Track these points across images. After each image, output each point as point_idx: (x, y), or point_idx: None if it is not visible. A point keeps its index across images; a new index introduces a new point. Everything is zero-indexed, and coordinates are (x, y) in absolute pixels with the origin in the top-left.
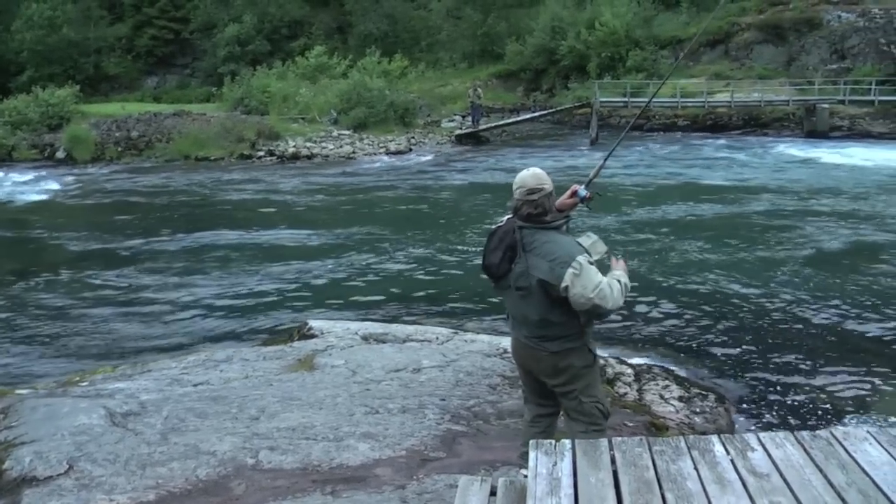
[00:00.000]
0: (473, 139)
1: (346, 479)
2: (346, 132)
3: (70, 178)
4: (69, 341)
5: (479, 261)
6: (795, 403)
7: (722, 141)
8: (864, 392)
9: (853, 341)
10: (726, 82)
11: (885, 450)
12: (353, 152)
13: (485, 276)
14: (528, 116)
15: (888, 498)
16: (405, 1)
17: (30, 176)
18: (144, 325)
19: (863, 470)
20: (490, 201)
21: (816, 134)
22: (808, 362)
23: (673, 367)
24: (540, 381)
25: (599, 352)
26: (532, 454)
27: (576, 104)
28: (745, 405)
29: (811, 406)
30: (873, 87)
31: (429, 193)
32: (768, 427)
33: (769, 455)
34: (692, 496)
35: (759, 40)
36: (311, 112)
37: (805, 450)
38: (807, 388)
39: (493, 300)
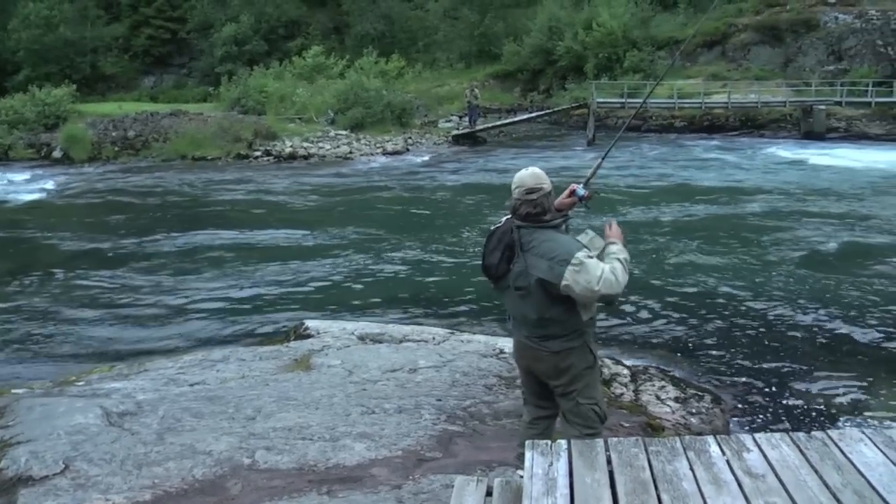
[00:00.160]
0: (470, 140)
1: (342, 479)
2: (343, 132)
3: (66, 178)
4: (65, 341)
5: (476, 261)
6: (791, 404)
7: (718, 142)
8: (859, 393)
9: (849, 342)
10: (723, 83)
11: (881, 451)
12: (350, 152)
13: (485, 277)
14: (525, 117)
15: (883, 499)
16: (402, 1)
17: (26, 175)
18: (141, 325)
19: (858, 471)
20: (487, 201)
21: (813, 135)
22: (804, 363)
23: (669, 368)
24: (540, 383)
25: None
26: (528, 454)
27: (573, 105)
28: (740, 406)
29: (807, 407)
30: (870, 88)
31: (425, 194)
32: (764, 428)
33: (765, 456)
34: (688, 497)
35: (755, 41)
36: (308, 112)
37: (801, 450)
38: (802, 389)
39: (490, 301)
